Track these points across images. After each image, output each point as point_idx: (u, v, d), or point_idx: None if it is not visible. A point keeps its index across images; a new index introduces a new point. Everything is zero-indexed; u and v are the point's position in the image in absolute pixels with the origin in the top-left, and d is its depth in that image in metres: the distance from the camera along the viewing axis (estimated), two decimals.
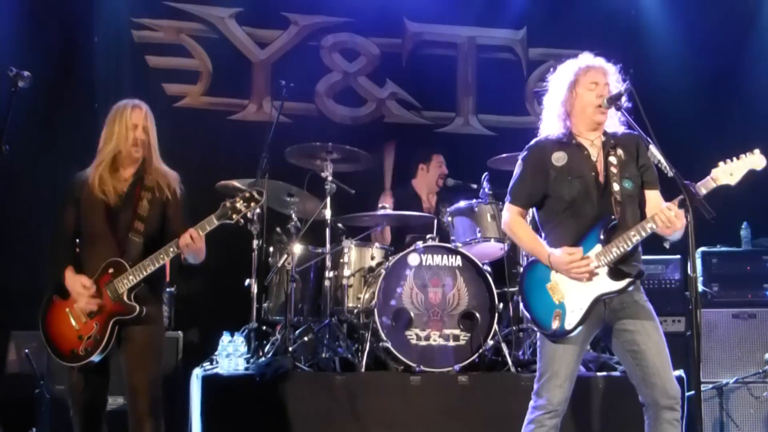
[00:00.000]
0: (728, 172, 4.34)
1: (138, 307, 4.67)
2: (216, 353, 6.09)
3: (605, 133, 4.63)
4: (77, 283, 4.67)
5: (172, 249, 4.67)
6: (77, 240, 4.86)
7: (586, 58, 4.68)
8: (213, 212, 4.69)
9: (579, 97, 4.58)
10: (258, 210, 4.81)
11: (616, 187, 4.51)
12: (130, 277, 4.65)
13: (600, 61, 4.67)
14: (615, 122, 4.64)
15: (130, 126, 4.84)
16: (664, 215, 4.30)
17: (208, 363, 6.19)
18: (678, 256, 7.45)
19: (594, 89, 4.55)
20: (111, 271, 4.69)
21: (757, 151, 4.36)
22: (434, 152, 7.86)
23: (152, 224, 4.79)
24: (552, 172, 4.57)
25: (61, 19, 8.00)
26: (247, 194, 4.72)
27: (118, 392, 6.37)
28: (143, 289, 4.72)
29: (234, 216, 4.68)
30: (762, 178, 4.40)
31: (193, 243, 4.64)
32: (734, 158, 4.35)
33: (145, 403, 4.75)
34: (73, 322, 4.73)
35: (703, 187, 4.31)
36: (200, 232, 4.65)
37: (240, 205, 4.68)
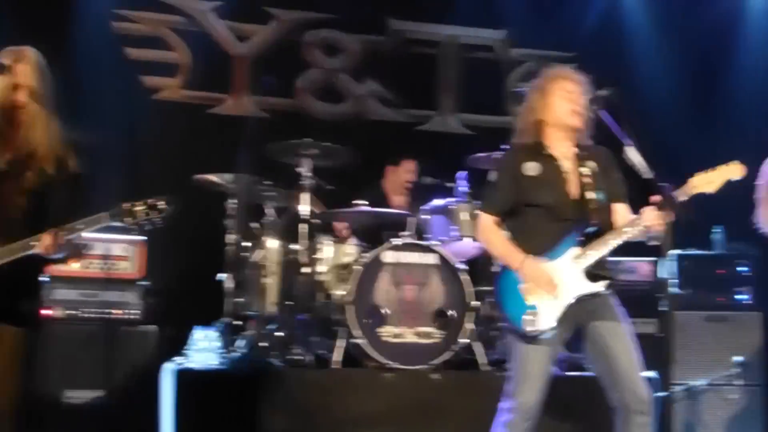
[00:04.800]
0: (707, 181, 4.39)
1: None
2: (189, 347, 6.08)
3: (577, 144, 4.67)
4: None
5: (32, 246, 4.03)
6: None
7: (557, 69, 4.75)
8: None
9: (551, 106, 4.62)
10: (160, 221, 4.22)
11: (591, 196, 4.55)
12: None
13: (570, 71, 4.72)
14: (587, 133, 4.68)
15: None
16: (646, 216, 4.34)
17: (181, 357, 6.18)
18: (650, 258, 7.49)
19: (566, 96, 4.59)
20: None
21: (735, 162, 4.42)
22: (404, 157, 7.83)
23: (35, 201, 4.13)
24: (525, 181, 4.60)
25: (41, 9, 7.95)
26: (152, 202, 4.15)
27: (86, 386, 6.40)
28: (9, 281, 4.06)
29: (126, 220, 4.11)
30: (735, 182, 4.45)
31: (52, 247, 4.03)
32: (713, 168, 4.40)
33: None
34: None
35: (683, 194, 4.36)
36: (66, 234, 4.04)
37: (139, 209, 4.13)
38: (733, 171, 4.41)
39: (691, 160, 7.93)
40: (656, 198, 4.27)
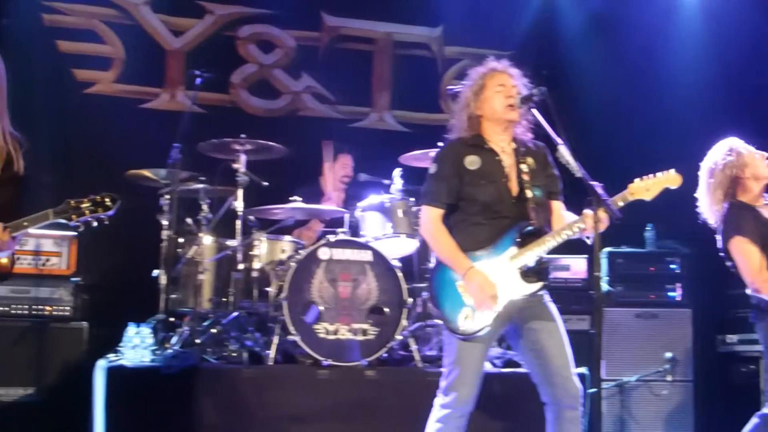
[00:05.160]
0: (645, 189, 4.46)
1: None
2: (122, 345, 6.01)
3: (516, 140, 4.70)
4: None
5: None
6: None
7: (491, 63, 4.74)
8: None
9: (488, 101, 4.64)
10: (104, 217, 4.18)
11: (529, 194, 4.58)
12: None
13: (504, 64, 4.74)
14: (523, 129, 4.71)
15: None
16: (585, 221, 4.36)
17: (114, 354, 6.10)
18: (584, 256, 7.59)
19: (502, 91, 4.62)
20: None
21: (672, 171, 4.50)
22: (341, 152, 7.85)
23: None
24: (466, 175, 4.60)
25: None
26: (99, 198, 4.15)
27: (17, 383, 6.31)
28: None
29: (73, 217, 4.10)
30: None
31: None
32: (651, 175, 4.47)
33: None
34: None
35: (620, 199, 4.42)
36: (12, 231, 3.99)
37: (85, 207, 4.11)
38: (671, 180, 4.49)
39: (623, 159, 8.10)
40: (595, 203, 4.29)
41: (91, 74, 8.40)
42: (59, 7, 8.31)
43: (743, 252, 5.21)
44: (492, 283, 4.45)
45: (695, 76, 8.83)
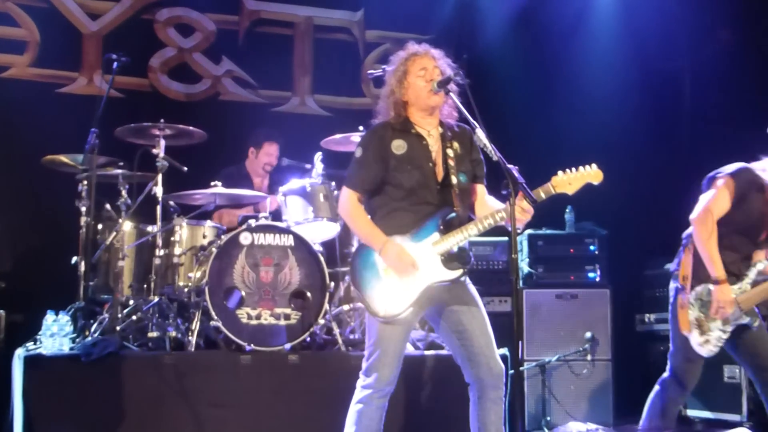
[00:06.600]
0: (567, 182, 4.50)
1: None
2: (40, 333, 5.91)
3: (442, 124, 4.72)
4: None
5: None
6: None
7: (412, 47, 4.74)
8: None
9: (411, 86, 4.65)
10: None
11: (454, 179, 4.61)
12: None
13: (425, 48, 4.74)
14: (449, 111, 4.73)
15: None
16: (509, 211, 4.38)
17: (32, 343, 6.00)
18: (506, 238, 7.67)
19: (424, 75, 4.63)
20: None
21: (594, 166, 4.55)
22: (267, 140, 7.80)
23: None
24: (392, 160, 4.61)
25: None
26: None
27: None
28: None
29: None
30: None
31: None
32: (573, 169, 4.52)
33: None
34: None
35: (543, 191, 4.45)
36: None
37: None
38: (593, 176, 4.55)
39: (540, 142, 8.20)
40: (511, 186, 4.32)
41: (6, 58, 8.24)
42: None
43: (719, 191, 5.34)
44: (408, 255, 4.48)
45: (610, 60, 8.98)
